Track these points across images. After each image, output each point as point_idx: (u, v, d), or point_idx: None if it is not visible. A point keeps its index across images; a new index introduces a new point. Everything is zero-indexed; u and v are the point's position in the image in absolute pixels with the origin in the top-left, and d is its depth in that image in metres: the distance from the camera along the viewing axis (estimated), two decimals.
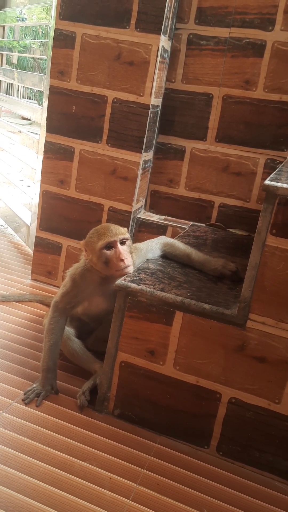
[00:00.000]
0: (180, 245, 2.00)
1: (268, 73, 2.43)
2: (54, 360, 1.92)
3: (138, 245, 2.00)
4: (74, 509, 1.40)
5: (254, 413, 1.64)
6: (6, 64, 4.56)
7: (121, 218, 2.61)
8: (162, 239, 2.05)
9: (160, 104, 2.63)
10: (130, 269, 1.80)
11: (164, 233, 2.65)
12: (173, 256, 2.00)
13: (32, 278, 2.93)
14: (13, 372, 1.99)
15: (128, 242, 1.82)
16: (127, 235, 1.82)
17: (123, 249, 1.78)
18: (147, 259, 1.98)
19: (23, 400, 1.82)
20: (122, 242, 1.80)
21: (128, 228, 2.60)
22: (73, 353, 2.02)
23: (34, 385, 1.89)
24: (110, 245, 1.78)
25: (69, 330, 2.04)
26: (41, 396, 1.84)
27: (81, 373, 2.06)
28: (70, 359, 2.06)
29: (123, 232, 1.80)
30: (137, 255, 1.92)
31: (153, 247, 2.01)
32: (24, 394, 1.84)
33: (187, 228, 2.57)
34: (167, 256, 2.02)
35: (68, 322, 2.02)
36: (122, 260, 1.76)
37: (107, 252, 1.78)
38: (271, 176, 1.66)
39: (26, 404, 1.80)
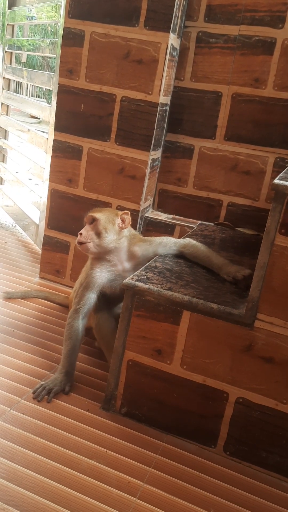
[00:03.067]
0: (202, 247, 2.02)
1: (278, 71, 2.41)
2: (72, 364, 1.95)
3: (150, 238, 2.06)
4: (81, 506, 1.41)
5: (261, 413, 1.63)
6: (16, 62, 4.57)
7: None
8: (187, 240, 2.09)
9: (168, 103, 2.63)
10: (89, 246, 1.91)
11: (172, 232, 2.64)
12: (193, 257, 2.02)
13: (40, 277, 2.95)
14: (21, 369, 2.00)
15: (97, 222, 1.90)
16: (97, 215, 1.91)
17: (86, 227, 1.92)
18: (156, 257, 1.99)
19: (34, 398, 1.83)
20: (92, 222, 1.91)
21: (136, 227, 2.60)
22: (105, 336, 2.05)
23: (43, 382, 1.90)
24: (84, 223, 1.95)
25: (109, 313, 2.09)
26: (52, 392, 1.85)
27: (90, 371, 2.07)
28: (97, 340, 2.13)
29: (94, 212, 1.93)
30: (139, 246, 1.98)
31: (169, 244, 2.04)
32: (34, 393, 1.85)
33: (195, 227, 2.57)
34: (186, 256, 2.03)
35: (106, 309, 2.08)
36: (78, 234, 1.90)
37: None
38: (280, 175, 1.65)
39: (38, 402, 1.81)
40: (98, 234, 1.90)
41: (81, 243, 1.90)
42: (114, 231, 1.92)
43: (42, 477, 1.49)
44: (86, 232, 1.90)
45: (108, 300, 2.06)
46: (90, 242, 1.90)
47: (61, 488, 1.46)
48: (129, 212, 1.96)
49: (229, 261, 1.94)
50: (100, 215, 1.91)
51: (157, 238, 2.07)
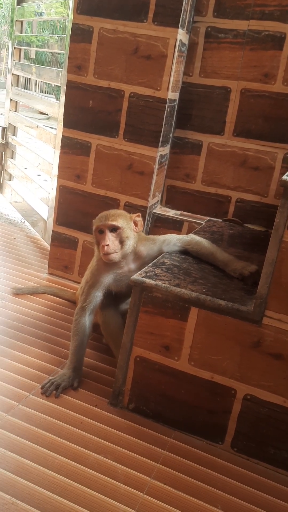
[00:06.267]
0: (206, 244, 2.01)
1: None
2: (80, 360, 1.97)
3: (153, 236, 2.05)
4: (88, 501, 1.42)
5: (269, 410, 1.63)
6: (24, 59, 4.58)
7: None
8: (190, 236, 2.07)
9: (177, 98, 2.62)
10: (115, 256, 1.86)
11: (180, 229, 2.64)
12: (198, 254, 2.01)
13: (49, 272, 2.96)
14: (29, 364, 2.01)
15: (120, 230, 1.86)
16: (119, 224, 1.85)
17: (109, 236, 1.85)
18: (164, 254, 1.99)
19: (42, 393, 1.84)
20: (113, 230, 1.85)
21: (144, 223, 2.60)
22: (112, 332, 2.05)
23: (52, 377, 1.91)
24: (101, 230, 1.87)
25: (115, 310, 2.08)
26: (60, 387, 1.87)
27: (98, 367, 2.08)
28: (105, 337, 2.12)
29: (115, 220, 1.86)
30: (144, 245, 1.97)
31: (173, 241, 2.02)
32: (42, 388, 1.87)
33: (204, 224, 2.56)
34: (191, 253, 2.02)
35: (112, 306, 2.07)
36: (103, 246, 1.83)
37: (99, 235, 1.89)
38: None
39: (47, 397, 1.83)
40: (122, 243, 1.87)
41: (107, 254, 1.85)
42: (132, 237, 1.91)
43: (50, 471, 1.50)
44: (112, 242, 1.84)
45: (114, 296, 2.06)
46: (117, 252, 1.87)
47: (69, 483, 1.47)
48: (140, 214, 1.96)
49: (234, 257, 1.93)
50: (122, 223, 1.87)
51: (160, 236, 2.05)
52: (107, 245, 1.83)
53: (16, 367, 1.98)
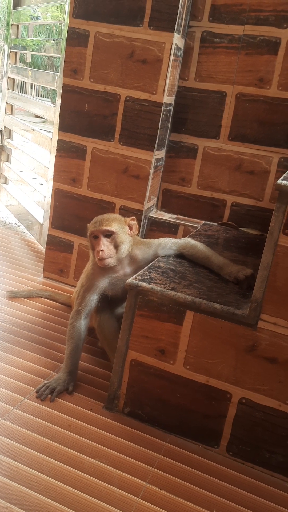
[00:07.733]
0: (201, 248, 2.01)
1: (283, 71, 2.40)
2: (75, 363, 1.96)
3: (148, 240, 2.05)
4: (83, 505, 1.41)
5: (265, 413, 1.63)
6: (20, 62, 4.58)
7: None
8: (185, 240, 2.07)
9: (172, 102, 2.63)
10: (110, 261, 1.86)
11: (175, 232, 2.64)
12: (193, 257, 2.00)
13: (44, 276, 2.95)
14: (24, 368, 2.01)
15: (115, 235, 1.86)
16: (114, 229, 1.85)
17: (103, 241, 1.84)
18: (159, 257, 1.99)
19: (37, 397, 1.83)
20: (107, 235, 1.85)
21: (139, 226, 2.60)
22: (107, 336, 2.04)
23: (47, 381, 1.90)
24: (95, 235, 1.86)
25: (110, 313, 2.07)
26: (55, 391, 1.86)
27: (93, 371, 2.07)
28: (100, 340, 2.10)
29: (109, 224, 1.85)
30: (140, 249, 1.97)
31: (168, 245, 2.02)
32: (37, 392, 1.86)
33: (199, 227, 2.56)
34: (186, 257, 2.02)
35: (107, 309, 2.06)
36: (98, 252, 1.83)
37: (93, 240, 1.89)
38: (284, 175, 1.65)
39: (41, 401, 1.82)
40: (117, 247, 1.87)
41: (102, 259, 1.84)
42: (127, 241, 1.91)
43: (45, 476, 1.49)
44: (107, 248, 1.84)
45: (109, 300, 2.06)
46: (112, 257, 1.86)
47: (64, 487, 1.46)
48: (135, 218, 1.96)
49: (230, 261, 1.93)
50: (116, 227, 1.86)
51: (156, 239, 2.04)
52: (102, 250, 1.83)
53: (11, 371, 1.97)
